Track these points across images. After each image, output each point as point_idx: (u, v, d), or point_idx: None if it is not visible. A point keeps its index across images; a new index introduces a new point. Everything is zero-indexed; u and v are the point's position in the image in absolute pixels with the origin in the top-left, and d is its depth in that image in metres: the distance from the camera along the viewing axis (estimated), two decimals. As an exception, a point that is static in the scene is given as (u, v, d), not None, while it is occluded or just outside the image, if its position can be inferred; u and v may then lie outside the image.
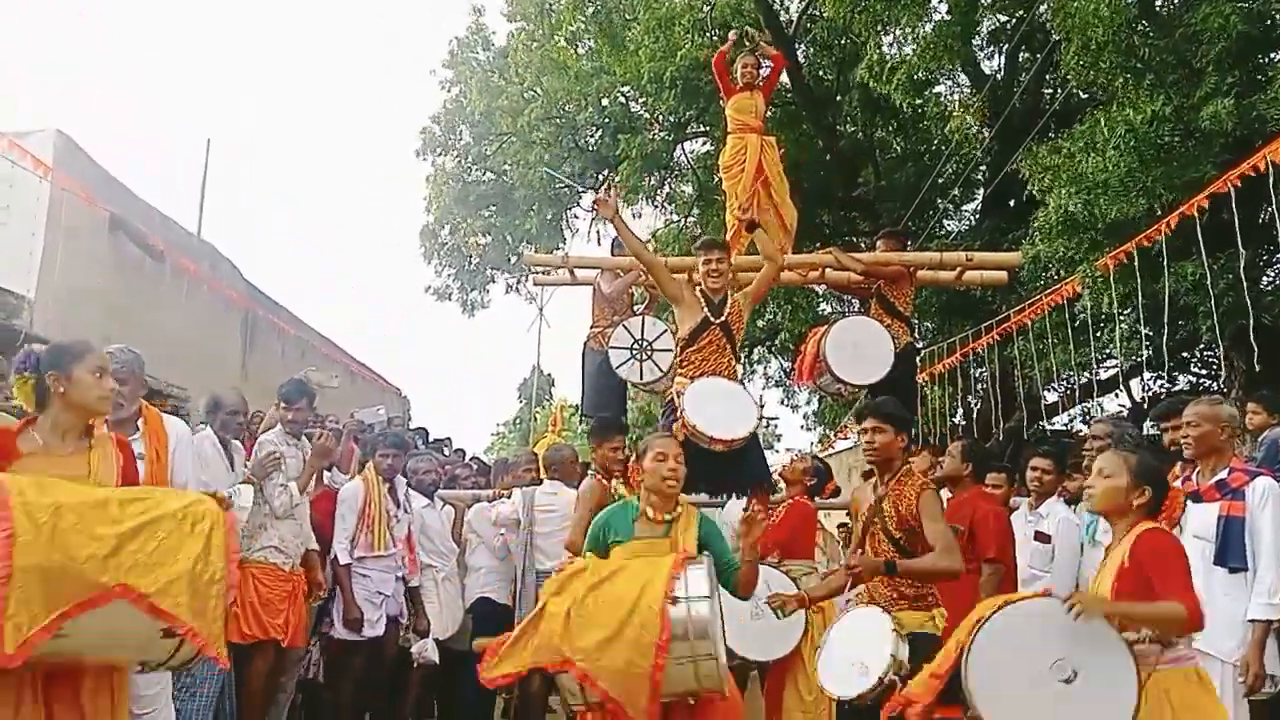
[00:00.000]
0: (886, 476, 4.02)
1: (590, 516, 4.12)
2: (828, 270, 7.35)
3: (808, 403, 18.50)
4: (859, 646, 3.73)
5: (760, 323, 15.70)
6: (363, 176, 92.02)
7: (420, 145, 18.75)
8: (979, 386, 11.70)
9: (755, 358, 17.94)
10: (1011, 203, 11.27)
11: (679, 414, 5.27)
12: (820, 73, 15.74)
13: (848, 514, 5.68)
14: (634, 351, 6.94)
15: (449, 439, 9.62)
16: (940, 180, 14.24)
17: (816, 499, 6.30)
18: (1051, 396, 12.73)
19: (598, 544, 3.75)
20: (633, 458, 4.03)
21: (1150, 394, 12.86)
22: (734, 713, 3.50)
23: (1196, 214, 6.93)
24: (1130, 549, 3.00)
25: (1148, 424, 5.65)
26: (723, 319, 5.56)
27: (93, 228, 11.01)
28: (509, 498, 6.24)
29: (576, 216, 18.42)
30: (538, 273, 8.41)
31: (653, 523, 3.68)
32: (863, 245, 12.43)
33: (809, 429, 19.16)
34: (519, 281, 19.10)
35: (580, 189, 16.54)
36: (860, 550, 4.03)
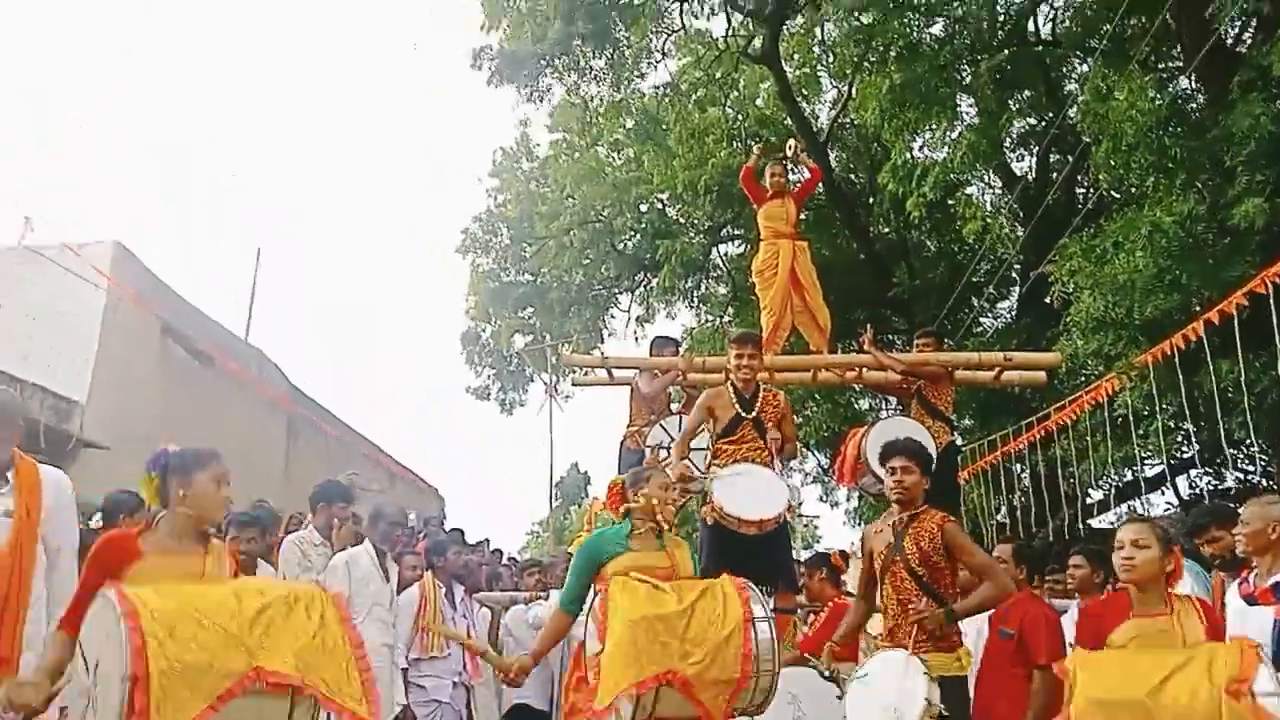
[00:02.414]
0: (906, 516, 4.11)
1: None
2: (866, 370, 7.39)
3: (847, 499, 18.27)
4: (889, 691, 3.74)
5: (798, 419, 15.68)
6: (406, 278, 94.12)
7: (461, 243, 19.26)
8: (1021, 485, 11.51)
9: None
10: (1047, 299, 11.31)
11: (709, 498, 5.28)
12: (852, 175, 16.07)
13: (857, 553, 5.61)
14: (670, 451, 6.96)
15: (486, 540, 9.62)
16: (975, 279, 14.33)
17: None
18: (1096, 494, 12.49)
19: (589, 565, 3.86)
20: (620, 485, 4.10)
21: (1196, 491, 12.57)
22: None
23: (1235, 311, 6.91)
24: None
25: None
26: (754, 414, 5.59)
27: (145, 333, 11.38)
28: (545, 599, 6.21)
29: (614, 317, 18.72)
30: (576, 372, 8.53)
31: (645, 540, 3.86)
32: (897, 344, 12.47)
33: (850, 525, 18.86)
34: (557, 381, 19.33)
35: (617, 291, 16.86)
36: (880, 588, 4.12)
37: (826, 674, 4.12)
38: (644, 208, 16.58)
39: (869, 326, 7.31)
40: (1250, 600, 3.92)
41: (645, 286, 17.90)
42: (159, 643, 2.55)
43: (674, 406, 7.80)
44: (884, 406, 14.10)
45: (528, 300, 18.41)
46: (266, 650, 2.68)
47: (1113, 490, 11.78)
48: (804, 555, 6.94)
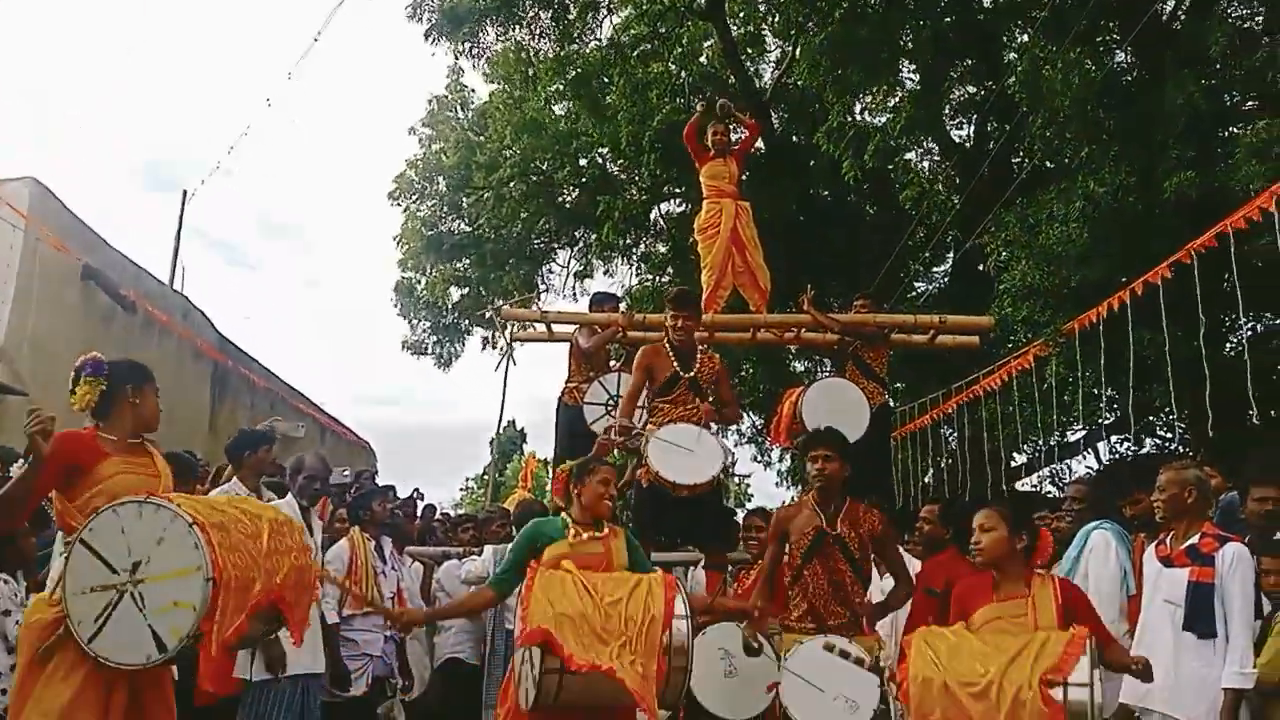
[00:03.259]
0: (831, 504, 4.29)
1: None
2: (804, 331, 7.44)
3: (780, 459, 18.51)
4: (835, 682, 3.85)
5: (734, 381, 15.78)
6: (339, 228, 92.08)
7: (394, 190, 18.78)
8: (949, 448, 11.78)
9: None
10: (980, 267, 11.52)
11: (644, 461, 5.28)
12: (794, 136, 16.07)
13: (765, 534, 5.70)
14: (609, 408, 6.94)
15: (418, 491, 9.41)
16: (911, 244, 14.50)
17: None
18: (1020, 458, 12.84)
19: (528, 551, 3.97)
20: (567, 473, 4.24)
21: (1116, 456, 13.01)
22: None
23: (1160, 282, 7.10)
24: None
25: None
26: (691, 374, 5.59)
27: (64, 276, 10.94)
28: (479, 555, 6.18)
29: (552, 272, 18.53)
30: (515, 328, 8.44)
31: (584, 532, 3.98)
32: (835, 306, 12.58)
33: (784, 485, 19.13)
34: (494, 335, 19.10)
35: (556, 246, 16.67)
36: (805, 570, 4.26)
37: (754, 645, 4.21)
38: (584, 162, 16.37)
39: (809, 287, 7.33)
40: (1166, 562, 4.06)
41: (585, 242, 17.75)
42: (225, 558, 2.90)
43: (613, 363, 7.78)
44: (820, 368, 14.25)
45: (463, 251, 18.09)
46: (279, 573, 3.10)
47: (1038, 454, 12.12)
48: (741, 514, 6.99)
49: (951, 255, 14.94)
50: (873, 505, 4.55)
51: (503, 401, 17.86)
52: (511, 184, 15.92)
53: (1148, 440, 12.97)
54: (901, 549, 5.06)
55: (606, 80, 15.04)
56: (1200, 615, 3.86)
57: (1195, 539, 4.00)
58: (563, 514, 4.13)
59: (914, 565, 5.07)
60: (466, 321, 18.82)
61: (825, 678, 3.91)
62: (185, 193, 19.61)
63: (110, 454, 3.21)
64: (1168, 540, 4.11)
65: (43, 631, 3.00)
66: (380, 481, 10.76)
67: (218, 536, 2.91)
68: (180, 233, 18.73)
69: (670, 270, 16.58)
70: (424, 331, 19.32)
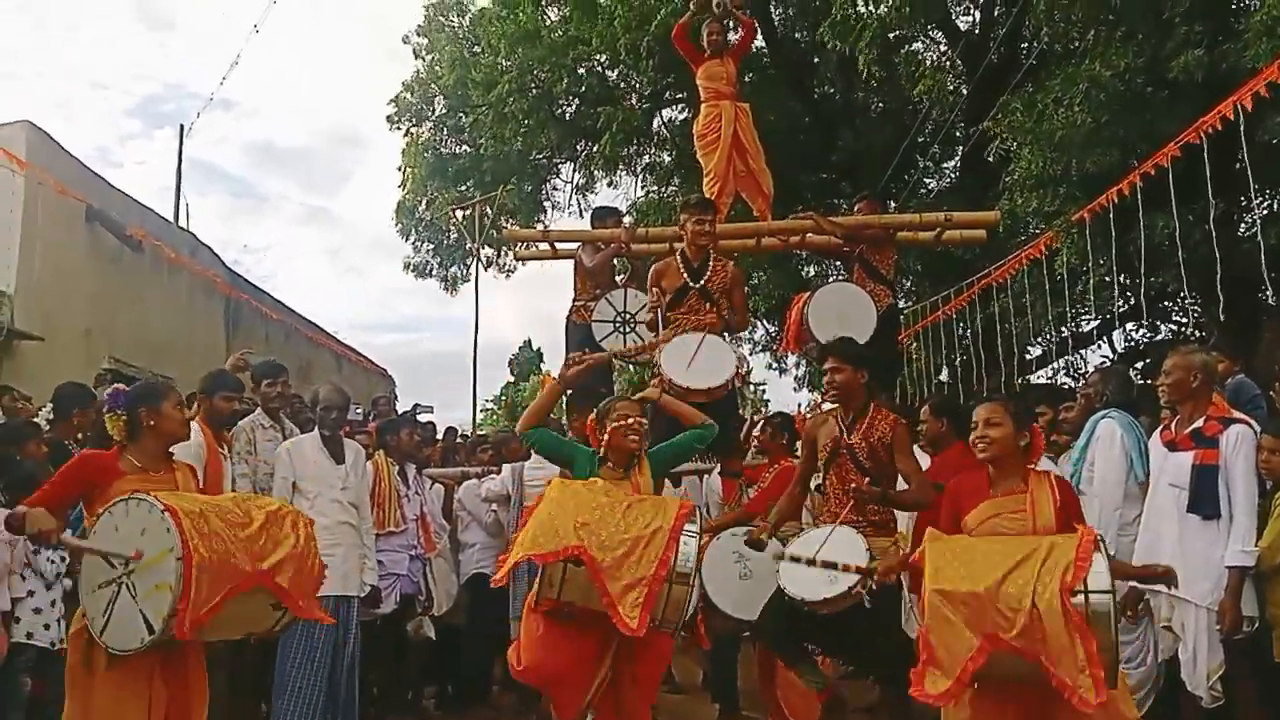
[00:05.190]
0: (851, 413, 4.26)
1: None
2: (809, 235, 7.38)
3: (796, 365, 18.55)
4: (824, 553, 3.92)
5: (745, 289, 15.71)
6: (345, 153, 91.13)
7: (394, 113, 18.51)
8: (962, 345, 11.76)
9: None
10: (990, 159, 11.30)
11: (656, 370, 5.34)
12: (796, 34, 15.65)
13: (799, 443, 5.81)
14: (617, 324, 6.97)
15: (428, 409, 9.35)
16: (920, 140, 14.22)
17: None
18: (1036, 351, 12.81)
19: (557, 448, 4.38)
20: (594, 419, 4.34)
21: (1132, 344, 12.96)
22: (666, 649, 4.05)
23: (1170, 165, 6.97)
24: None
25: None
26: (701, 283, 5.59)
27: (69, 220, 10.94)
28: (498, 473, 6.30)
29: (556, 189, 18.34)
30: (519, 247, 8.41)
31: (614, 470, 4.11)
32: (843, 208, 12.44)
33: (799, 390, 19.21)
34: (499, 255, 19.03)
35: (558, 160, 16.42)
36: (825, 480, 4.28)
37: (762, 541, 4.34)
38: (583, 71, 16.03)
39: (801, 207, 7.25)
40: (1171, 446, 4.10)
41: (586, 155, 17.52)
42: (195, 540, 3.04)
43: (619, 279, 7.76)
44: (830, 272, 14.16)
45: (466, 173, 17.91)
46: (269, 558, 3.23)
47: (1051, 346, 12.10)
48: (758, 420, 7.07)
49: (960, 150, 14.67)
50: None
51: (476, 317, 17.77)
52: (510, 100, 15.62)
53: (1162, 327, 12.90)
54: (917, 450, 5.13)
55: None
56: (1204, 497, 3.91)
57: (1200, 422, 4.03)
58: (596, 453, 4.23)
59: (926, 463, 5.12)
60: (470, 243, 18.75)
61: (817, 549, 3.99)
62: (182, 127, 19.47)
63: (127, 474, 3.39)
64: (1173, 425, 4.14)
65: (77, 640, 3.27)
66: (400, 407, 10.92)
67: (190, 522, 3.07)
68: (180, 168, 18.63)
69: (675, 181, 16.37)
70: (427, 252, 19.27)
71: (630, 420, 4.13)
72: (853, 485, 4.17)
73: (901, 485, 4.23)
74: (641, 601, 3.49)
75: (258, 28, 34.79)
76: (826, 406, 4.68)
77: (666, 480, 4.69)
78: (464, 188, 18.16)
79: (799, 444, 6.38)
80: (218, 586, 3.07)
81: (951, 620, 3.06)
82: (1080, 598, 2.99)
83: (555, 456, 4.50)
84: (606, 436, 4.14)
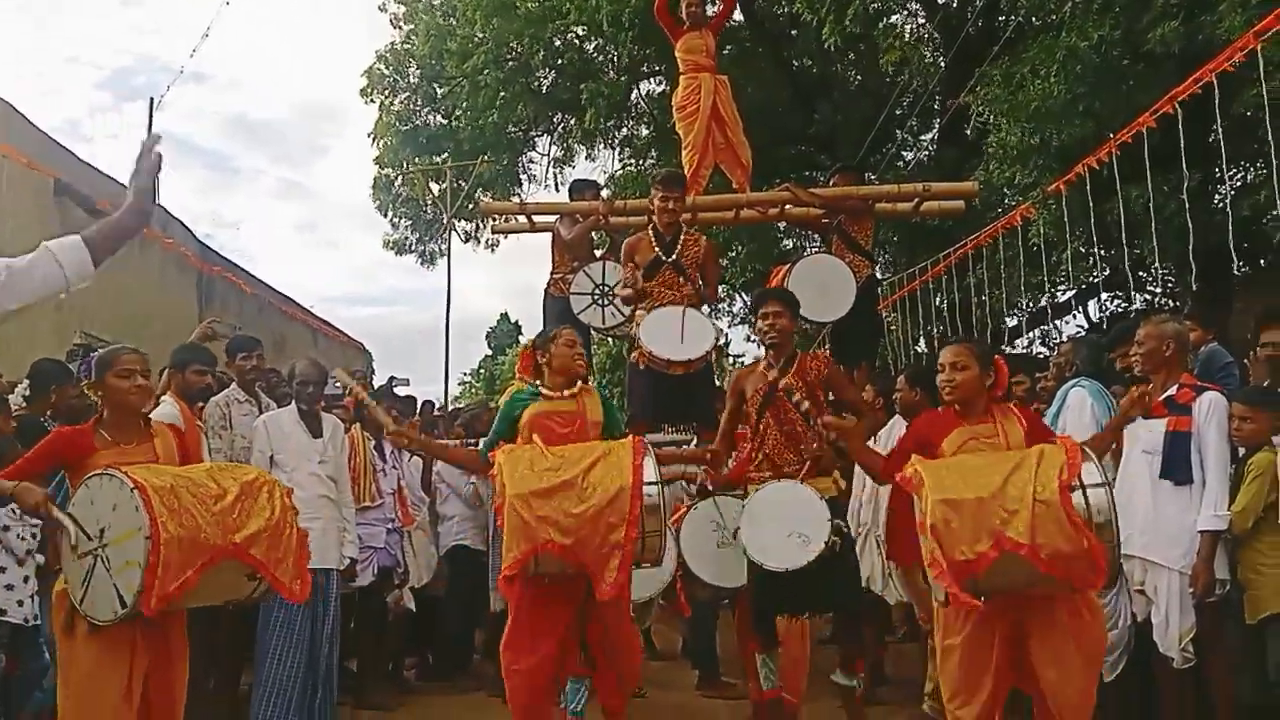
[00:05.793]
0: (781, 358, 4.40)
1: None
2: (787, 207, 7.36)
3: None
4: (788, 519, 4.08)
5: (723, 260, 15.72)
6: (319, 125, 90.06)
7: (366, 85, 18.27)
8: (940, 315, 11.84)
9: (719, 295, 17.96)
10: (968, 131, 11.32)
11: (636, 344, 5.37)
12: (774, 8, 15.57)
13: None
14: (595, 297, 6.92)
15: (405, 380, 9.30)
16: (899, 112, 14.22)
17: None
18: (1012, 321, 12.93)
19: (508, 423, 4.19)
20: (530, 349, 4.45)
21: (1107, 314, 13.09)
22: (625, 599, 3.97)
23: (1145, 137, 7.00)
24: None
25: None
26: (673, 257, 5.62)
27: (37, 194, 10.76)
28: (475, 445, 6.28)
29: (533, 161, 18.22)
30: (496, 220, 8.36)
31: (558, 396, 4.15)
32: (821, 180, 12.43)
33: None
34: (476, 228, 18.91)
35: (534, 133, 16.29)
36: (761, 424, 4.40)
37: (708, 488, 4.57)
38: (560, 43, 15.89)
39: (779, 181, 7.26)
40: (1145, 414, 4.14)
41: (564, 128, 17.40)
42: (165, 516, 3.06)
43: (597, 252, 7.72)
44: (809, 243, 14.18)
45: (440, 145, 17.73)
46: (242, 531, 3.23)
47: (1026, 317, 12.20)
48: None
49: (938, 122, 14.68)
50: (864, 376, 4.62)
51: (448, 296, 17.75)
52: (486, 71, 15.46)
53: (1137, 296, 13.02)
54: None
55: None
56: (1176, 462, 3.97)
57: (1173, 390, 4.08)
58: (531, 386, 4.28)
59: (902, 431, 5.16)
60: (447, 216, 18.62)
61: (779, 516, 4.13)
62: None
63: (100, 448, 3.38)
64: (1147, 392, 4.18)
65: (62, 599, 3.28)
66: (378, 380, 10.89)
67: (159, 499, 3.08)
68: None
69: (653, 153, 16.31)
70: (405, 229, 19.11)
71: (577, 347, 4.23)
72: (791, 430, 4.32)
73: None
74: (617, 565, 3.58)
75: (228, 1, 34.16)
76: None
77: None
78: (439, 159, 17.99)
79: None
80: (189, 562, 3.09)
81: (958, 527, 3.13)
82: (1078, 494, 3.12)
83: (511, 431, 4.29)
84: (551, 359, 4.20)
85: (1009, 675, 3.40)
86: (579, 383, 4.22)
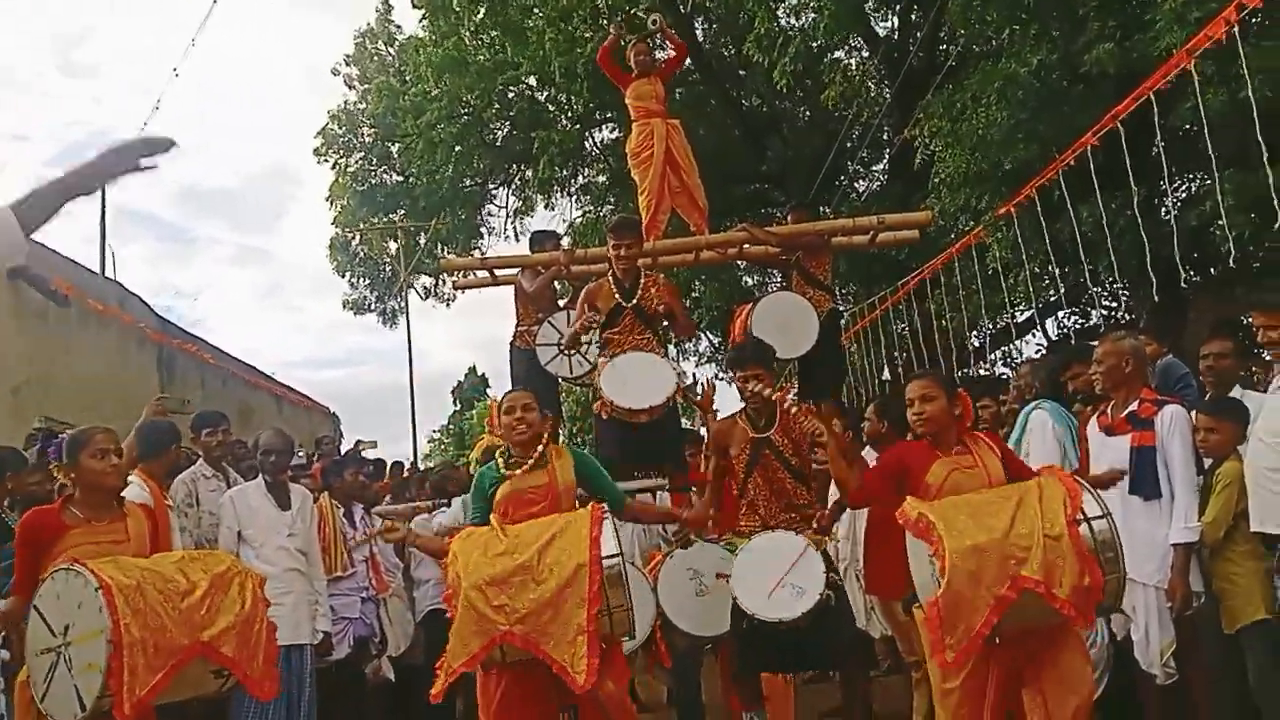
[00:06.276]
0: (763, 416, 4.35)
1: None
2: (746, 247, 7.42)
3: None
4: (781, 570, 4.00)
5: (687, 301, 15.80)
6: (273, 190, 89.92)
7: (320, 145, 18.28)
8: (903, 343, 11.95)
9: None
10: (917, 163, 11.52)
11: (599, 394, 5.33)
12: (721, 49, 15.83)
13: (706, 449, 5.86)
14: (561, 347, 6.92)
15: (372, 443, 9.20)
16: (849, 145, 14.44)
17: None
18: (974, 344, 13.06)
19: (486, 500, 4.00)
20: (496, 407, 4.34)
21: (1064, 331, 13.27)
22: (619, 653, 3.82)
23: (1089, 155, 7.16)
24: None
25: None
26: (634, 302, 5.62)
27: (-12, 276, 10.60)
28: (448, 506, 6.22)
29: (491, 215, 18.27)
30: (457, 276, 8.33)
31: (520, 466, 3.97)
32: (777, 217, 12.57)
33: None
34: (437, 284, 18.87)
35: (492, 186, 16.35)
36: (749, 483, 4.34)
37: (690, 539, 4.50)
38: (513, 95, 16.02)
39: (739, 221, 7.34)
40: (1109, 431, 4.17)
41: (520, 179, 17.48)
42: (129, 618, 2.99)
43: (561, 302, 7.71)
44: (770, 281, 14.29)
45: (398, 202, 17.75)
46: (210, 628, 3.16)
47: (987, 338, 12.33)
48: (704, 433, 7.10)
49: (888, 153, 14.93)
50: (830, 409, 4.63)
51: (410, 354, 17.63)
52: (440, 126, 15.55)
53: (1094, 313, 13.21)
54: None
55: (530, 5, 14.65)
56: (1144, 478, 3.98)
57: (1135, 405, 4.12)
58: (498, 455, 4.14)
59: (874, 462, 5.18)
60: (408, 274, 18.59)
61: (772, 567, 4.05)
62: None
63: (72, 526, 3.34)
64: (1109, 410, 4.22)
65: (24, 690, 3.23)
66: (346, 443, 10.76)
67: (124, 599, 3.00)
68: (105, 217, 18.20)
69: (611, 199, 16.42)
70: (364, 288, 19.05)
71: (516, 412, 4.00)
72: (779, 487, 4.28)
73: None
74: (585, 652, 3.40)
75: (177, 71, 34.26)
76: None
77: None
78: (396, 216, 18.00)
79: None
80: (157, 665, 3.02)
81: (976, 572, 3.12)
82: (1084, 526, 3.16)
83: (489, 507, 4.14)
84: (498, 429, 4.10)
85: (1003, 714, 3.39)
86: (547, 450, 4.03)
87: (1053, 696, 3.29)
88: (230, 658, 3.18)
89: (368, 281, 18.98)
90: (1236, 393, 4.29)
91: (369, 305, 19.22)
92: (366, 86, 18.20)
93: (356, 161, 18.25)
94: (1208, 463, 4.10)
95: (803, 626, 3.93)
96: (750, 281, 15.97)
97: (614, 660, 3.75)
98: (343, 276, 19.04)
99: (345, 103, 18.42)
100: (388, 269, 18.66)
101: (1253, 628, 3.79)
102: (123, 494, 3.63)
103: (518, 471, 3.98)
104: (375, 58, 18.52)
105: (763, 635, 4.02)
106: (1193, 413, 4.14)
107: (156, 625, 3.05)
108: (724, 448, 4.45)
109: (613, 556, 3.53)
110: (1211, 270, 10.84)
